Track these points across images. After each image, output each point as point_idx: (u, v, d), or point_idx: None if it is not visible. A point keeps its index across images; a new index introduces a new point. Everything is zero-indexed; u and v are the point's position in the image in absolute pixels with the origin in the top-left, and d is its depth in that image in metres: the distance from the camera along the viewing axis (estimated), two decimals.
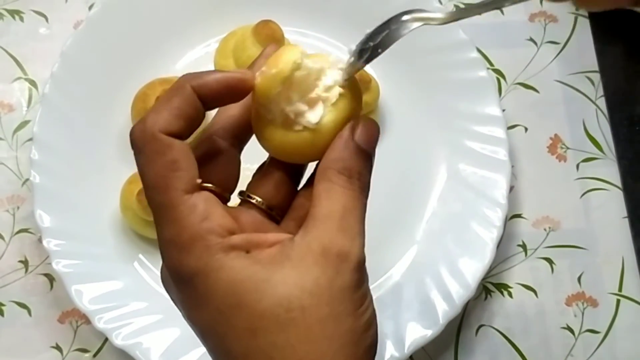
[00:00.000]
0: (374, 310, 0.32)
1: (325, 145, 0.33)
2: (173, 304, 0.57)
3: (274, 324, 0.29)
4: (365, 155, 0.33)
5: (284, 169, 0.36)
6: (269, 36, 0.60)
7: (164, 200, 0.31)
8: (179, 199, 0.30)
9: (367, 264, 0.62)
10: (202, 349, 0.54)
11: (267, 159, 0.37)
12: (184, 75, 0.32)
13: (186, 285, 0.31)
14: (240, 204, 0.35)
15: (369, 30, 0.36)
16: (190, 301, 0.31)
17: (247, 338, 0.30)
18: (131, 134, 0.32)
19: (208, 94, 0.32)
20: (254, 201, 0.35)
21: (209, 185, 0.32)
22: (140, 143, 0.31)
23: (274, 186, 0.35)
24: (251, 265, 0.30)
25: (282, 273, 0.30)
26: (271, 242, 0.31)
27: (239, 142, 0.35)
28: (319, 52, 0.35)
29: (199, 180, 0.31)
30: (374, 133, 0.33)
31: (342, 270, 0.30)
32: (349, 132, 0.33)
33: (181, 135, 0.31)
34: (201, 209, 0.30)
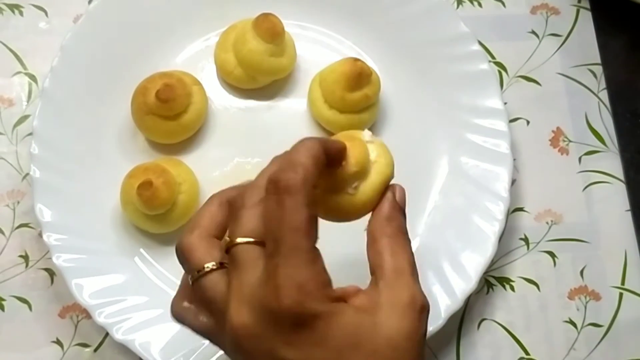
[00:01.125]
0: None
1: (368, 205, 0.40)
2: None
3: None
4: (404, 214, 0.40)
5: None
6: (270, 29, 0.60)
7: (301, 244, 0.34)
8: (311, 247, 0.35)
9: (366, 257, 0.62)
10: (202, 344, 0.54)
11: None
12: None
13: (304, 326, 0.34)
14: None
15: None
16: (304, 342, 0.34)
17: None
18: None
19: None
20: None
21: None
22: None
23: None
24: (357, 312, 0.35)
25: (381, 318, 0.35)
26: (350, 292, 0.37)
27: None
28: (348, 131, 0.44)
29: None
30: (404, 194, 0.41)
31: (423, 320, 0.37)
32: (391, 194, 0.40)
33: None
34: (321, 261, 0.35)
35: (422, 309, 0.37)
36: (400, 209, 0.40)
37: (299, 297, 0.33)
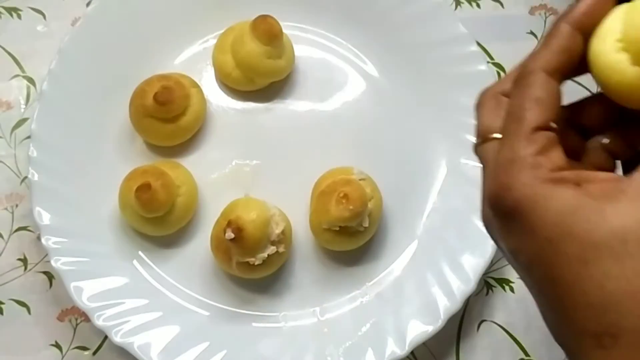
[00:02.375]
0: None
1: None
2: (174, 301, 0.57)
3: (608, 254, 0.29)
4: None
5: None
6: (267, 31, 0.60)
7: (510, 128, 0.32)
8: (523, 131, 0.31)
9: (366, 259, 0.62)
10: (201, 346, 0.55)
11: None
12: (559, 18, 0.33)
13: (511, 214, 0.31)
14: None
15: None
16: (515, 232, 0.31)
17: (578, 266, 0.30)
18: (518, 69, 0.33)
19: (582, 19, 0.33)
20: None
21: (554, 126, 0.32)
22: (518, 78, 0.33)
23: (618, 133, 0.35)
24: (582, 197, 0.30)
25: (616, 206, 0.29)
26: (603, 178, 0.31)
27: (563, 78, 0.34)
28: None
29: (553, 125, 0.32)
30: None
31: None
32: None
33: (562, 70, 0.32)
34: (540, 144, 0.31)
35: None
36: None
37: (507, 181, 0.31)
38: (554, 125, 0.32)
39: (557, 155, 0.31)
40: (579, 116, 0.36)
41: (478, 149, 0.34)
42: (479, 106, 0.35)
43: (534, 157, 0.31)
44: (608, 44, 0.31)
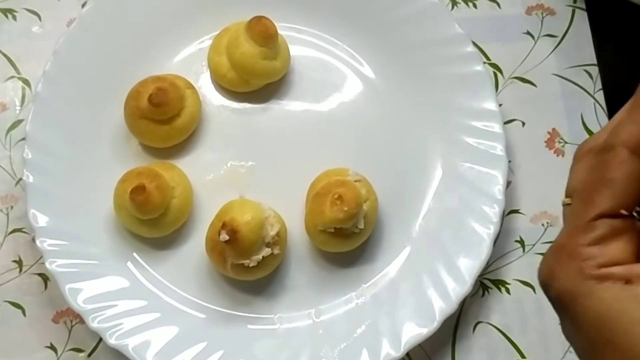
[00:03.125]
0: None
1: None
2: (169, 303, 0.57)
3: None
4: None
5: None
6: (262, 32, 0.60)
7: (575, 209, 0.29)
8: (585, 216, 0.29)
9: (361, 261, 0.61)
10: (195, 349, 0.54)
11: None
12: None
13: (555, 303, 0.29)
14: None
15: None
16: (563, 320, 0.30)
17: None
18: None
19: None
20: None
21: (624, 213, 0.29)
22: (601, 151, 0.29)
23: None
24: (625, 300, 0.27)
25: None
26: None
27: None
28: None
29: (624, 212, 0.29)
30: None
31: None
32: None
33: None
34: (598, 233, 0.28)
35: None
36: None
37: (553, 268, 0.29)
38: (624, 212, 0.28)
39: (617, 247, 0.28)
40: None
41: (564, 207, 0.31)
42: (574, 160, 0.31)
43: (586, 248, 0.28)
44: None
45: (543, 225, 0.61)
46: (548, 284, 0.29)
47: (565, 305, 0.29)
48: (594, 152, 0.29)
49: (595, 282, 0.28)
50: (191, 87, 0.62)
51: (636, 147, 0.28)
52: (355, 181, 0.56)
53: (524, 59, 0.66)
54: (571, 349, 0.57)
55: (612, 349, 0.27)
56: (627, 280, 0.28)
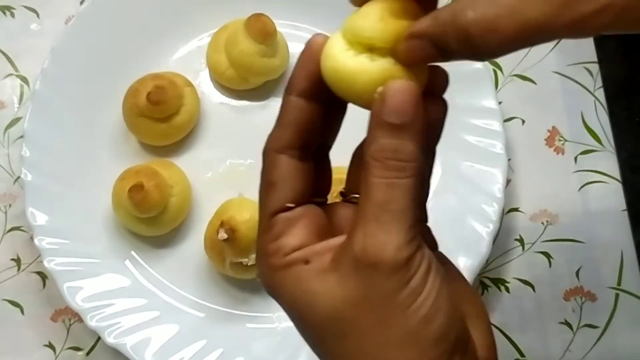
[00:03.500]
0: (437, 299, 0.30)
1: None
2: (168, 302, 0.57)
3: (331, 335, 0.30)
4: (398, 128, 0.29)
5: None
6: (261, 30, 0.60)
7: (259, 210, 0.33)
8: (263, 218, 0.32)
9: None
10: (194, 348, 0.54)
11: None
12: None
13: (269, 295, 0.33)
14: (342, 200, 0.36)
15: None
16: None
17: (319, 346, 0.31)
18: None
19: (307, 91, 0.32)
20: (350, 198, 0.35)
21: (291, 205, 0.32)
22: (263, 153, 0.33)
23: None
24: (303, 279, 0.30)
25: (328, 285, 0.30)
26: (331, 247, 0.31)
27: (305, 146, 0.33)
28: None
29: (291, 205, 0.32)
30: (404, 98, 0.29)
31: (376, 279, 0.29)
32: (378, 103, 0.29)
33: (294, 143, 0.32)
34: (276, 229, 0.32)
35: (371, 267, 0.29)
36: (386, 125, 0.30)
37: (258, 266, 0.33)
38: (291, 205, 0.32)
39: (293, 236, 0.31)
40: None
41: None
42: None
43: (271, 244, 0.32)
44: (335, 50, 0.30)
45: (543, 223, 0.61)
46: (260, 278, 0.33)
47: (274, 299, 0.32)
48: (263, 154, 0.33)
49: (282, 272, 0.31)
50: (190, 84, 0.61)
51: (282, 149, 0.32)
52: None
53: (524, 57, 0.66)
54: (571, 347, 0.57)
55: (304, 323, 0.31)
56: (306, 261, 0.31)
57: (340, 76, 0.30)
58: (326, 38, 0.32)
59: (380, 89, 0.29)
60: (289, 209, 0.32)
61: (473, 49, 0.28)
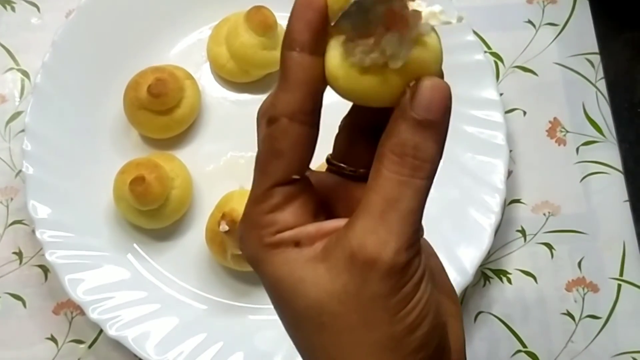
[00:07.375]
0: (424, 308, 0.29)
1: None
2: (169, 294, 0.57)
3: (310, 324, 0.29)
4: (423, 125, 0.28)
5: (365, 122, 0.33)
6: (262, 22, 0.60)
7: (256, 177, 0.30)
8: (262, 186, 0.30)
9: None
10: (195, 340, 0.54)
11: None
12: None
13: (248, 262, 0.31)
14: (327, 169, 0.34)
15: None
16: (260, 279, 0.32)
17: (294, 330, 0.31)
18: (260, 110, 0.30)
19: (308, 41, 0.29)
20: (337, 168, 0.33)
21: (296, 177, 0.30)
22: (269, 121, 0.29)
23: (361, 147, 0.33)
24: (291, 263, 0.29)
25: (316, 274, 0.29)
26: (325, 232, 0.30)
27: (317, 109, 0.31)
28: None
29: (296, 177, 0.30)
30: (436, 96, 0.28)
31: (370, 279, 0.28)
32: (408, 97, 0.28)
33: (307, 107, 0.29)
34: (273, 202, 0.30)
35: (367, 265, 0.28)
36: (413, 121, 0.28)
37: (241, 233, 0.31)
38: (296, 177, 0.30)
39: (290, 213, 0.30)
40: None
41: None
42: (257, 124, 0.31)
43: (264, 216, 0.30)
44: (342, 70, 0.28)
45: (544, 214, 0.61)
46: (241, 248, 0.31)
47: (254, 269, 0.31)
48: (264, 121, 0.30)
49: (270, 249, 0.30)
50: (190, 77, 0.61)
51: (293, 114, 0.29)
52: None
53: (525, 48, 0.66)
54: (573, 338, 0.57)
55: (283, 305, 0.30)
56: (297, 243, 0.29)
57: (359, 95, 0.29)
58: None
59: (412, 83, 0.28)
60: (294, 181, 0.30)
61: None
